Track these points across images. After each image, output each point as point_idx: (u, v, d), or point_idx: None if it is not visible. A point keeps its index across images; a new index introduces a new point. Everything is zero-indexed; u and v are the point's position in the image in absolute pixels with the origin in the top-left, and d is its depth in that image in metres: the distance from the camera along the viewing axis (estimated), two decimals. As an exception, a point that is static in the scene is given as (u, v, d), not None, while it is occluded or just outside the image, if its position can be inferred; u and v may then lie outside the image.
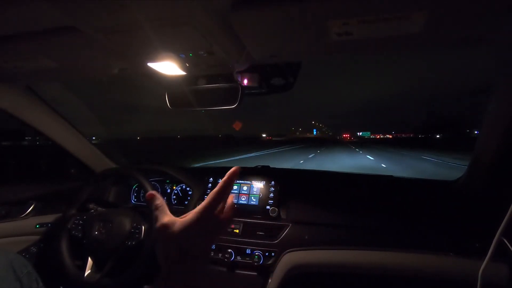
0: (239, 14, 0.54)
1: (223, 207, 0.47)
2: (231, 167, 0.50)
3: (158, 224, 0.43)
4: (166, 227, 0.43)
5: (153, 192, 0.48)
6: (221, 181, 0.46)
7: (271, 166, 1.42)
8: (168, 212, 0.45)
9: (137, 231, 1.03)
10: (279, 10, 0.52)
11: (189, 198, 1.27)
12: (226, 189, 0.46)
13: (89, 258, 1.07)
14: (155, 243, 0.47)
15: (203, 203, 0.45)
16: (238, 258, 1.00)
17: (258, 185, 1.16)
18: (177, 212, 1.16)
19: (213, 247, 1.05)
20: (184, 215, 0.45)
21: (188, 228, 0.42)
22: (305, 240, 0.99)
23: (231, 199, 0.49)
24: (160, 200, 0.46)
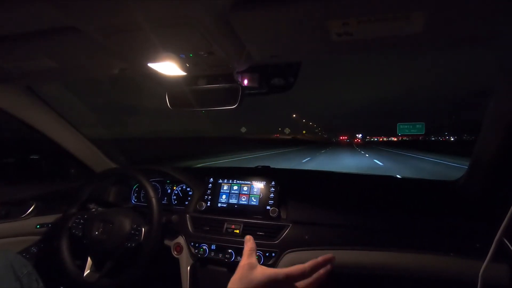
0: (239, 15, 0.54)
1: (307, 284, 0.49)
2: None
3: (243, 261, 0.51)
4: (247, 266, 0.49)
5: (250, 237, 0.57)
6: (315, 261, 0.49)
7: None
8: (255, 256, 0.52)
9: (137, 233, 1.03)
10: (279, 11, 0.52)
11: (189, 198, 1.27)
12: (315, 269, 0.49)
13: (89, 258, 1.07)
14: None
15: (291, 268, 0.48)
16: (239, 258, 1.00)
17: (258, 186, 1.16)
18: (177, 212, 1.17)
19: (213, 247, 1.05)
20: (269, 268, 0.49)
21: (264, 277, 0.47)
22: (306, 240, 0.99)
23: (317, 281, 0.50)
24: (254, 245, 0.55)
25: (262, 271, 0.48)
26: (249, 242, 0.55)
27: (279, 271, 0.48)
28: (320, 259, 0.49)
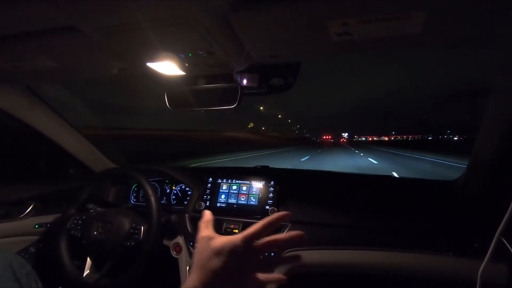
0: (239, 15, 0.54)
1: (265, 245, 0.48)
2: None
3: (200, 235, 0.50)
4: (206, 238, 0.49)
5: (207, 211, 0.55)
6: (268, 219, 0.49)
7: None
8: (211, 227, 0.52)
9: (136, 231, 1.03)
10: (279, 11, 0.52)
11: (188, 198, 1.27)
12: (271, 226, 0.49)
13: (88, 258, 1.07)
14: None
15: (246, 231, 0.48)
16: None
17: (257, 185, 1.16)
18: (176, 212, 1.17)
19: None
20: (227, 236, 0.49)
21: (223, 243, 0.46)
22: (305, 240, 0.99)
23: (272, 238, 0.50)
24: (210, 217, 0.54)
25: (220, 239, 0.48)
26: (205, 216, 0.54)
27: (236, 235, 0.48)
28: (274, 215, 0.50)
